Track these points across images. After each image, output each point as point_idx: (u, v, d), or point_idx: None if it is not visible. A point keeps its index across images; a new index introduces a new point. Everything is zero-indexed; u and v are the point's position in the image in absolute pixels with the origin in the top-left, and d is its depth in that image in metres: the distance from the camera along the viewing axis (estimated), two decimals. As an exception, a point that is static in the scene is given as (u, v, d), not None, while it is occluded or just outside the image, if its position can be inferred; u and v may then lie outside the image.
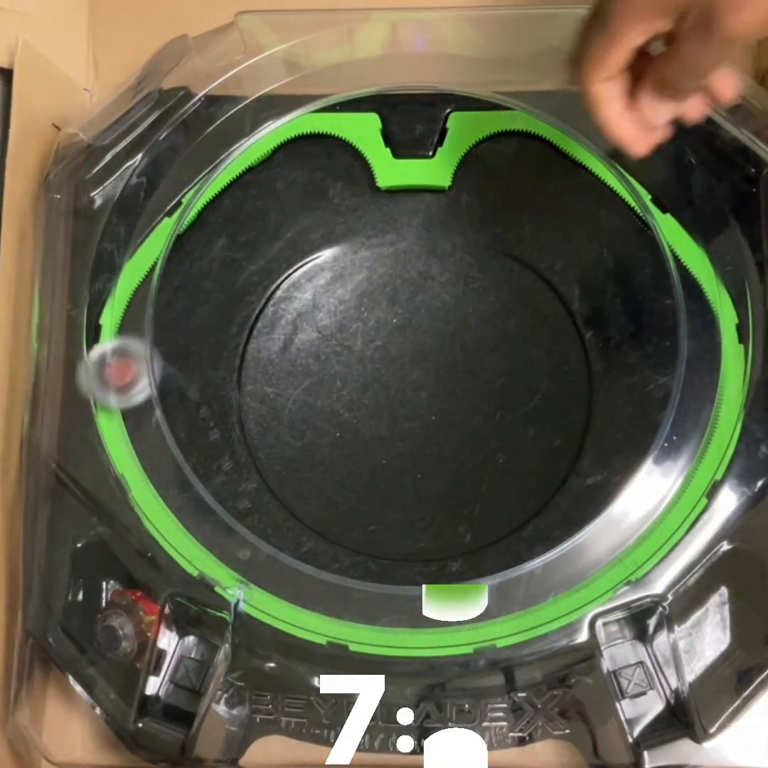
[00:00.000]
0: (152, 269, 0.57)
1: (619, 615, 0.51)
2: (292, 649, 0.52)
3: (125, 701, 0.52)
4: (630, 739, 0.50)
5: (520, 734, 0.51)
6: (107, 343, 0.56)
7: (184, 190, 0.59)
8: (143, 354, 0.55)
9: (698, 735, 0.49)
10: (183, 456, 0.54)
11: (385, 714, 0.52)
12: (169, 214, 0.58)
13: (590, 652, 0.50)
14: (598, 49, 0.42)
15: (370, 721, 0.51)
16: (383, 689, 0.51)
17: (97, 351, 0.56)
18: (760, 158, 0.55)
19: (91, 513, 0.55)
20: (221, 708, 0.52)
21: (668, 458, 0.52)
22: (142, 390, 0.55)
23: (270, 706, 0.52)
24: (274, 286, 0.63)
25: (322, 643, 0.51)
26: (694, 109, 0.46)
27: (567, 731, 0.51)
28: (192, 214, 0.59)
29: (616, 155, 0.56)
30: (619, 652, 0.51)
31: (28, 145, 0.60)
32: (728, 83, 0.45)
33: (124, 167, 0.59)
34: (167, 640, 0.52)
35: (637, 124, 0.45)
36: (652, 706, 0.50)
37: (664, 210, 0.56)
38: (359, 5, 0.62)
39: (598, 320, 0.61)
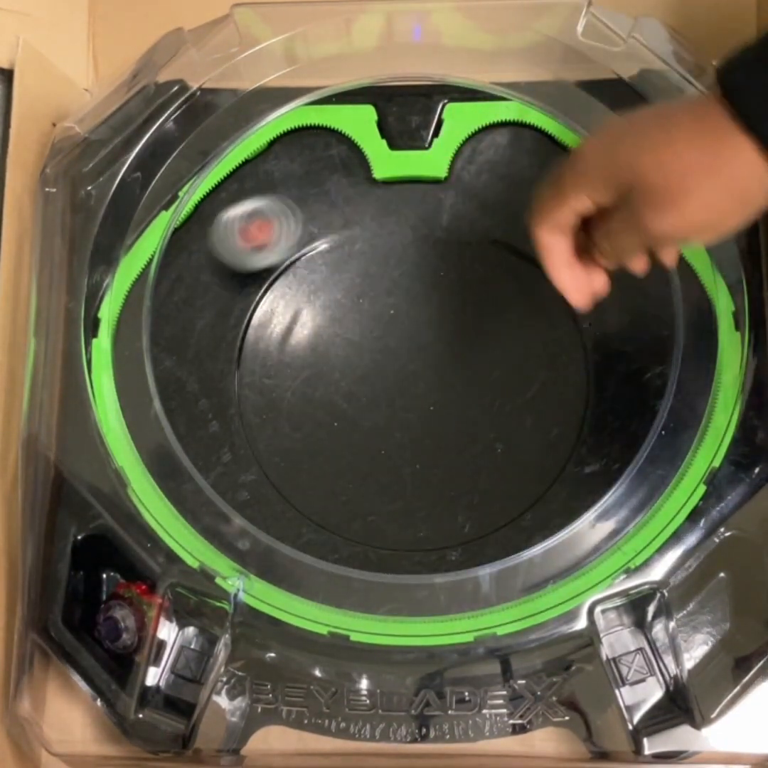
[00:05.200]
0: (150, 262, 0.57)
1: (618, 602, 0.51)
2: (293, 638, 0.52)
3: (125, 692, 0.52)
4: (630, 726, 0.50)
5: (520, 722, 0.52)
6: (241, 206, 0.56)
7: (181, 184, 0.59)
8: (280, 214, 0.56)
9: (697, 721, 0.50)
10: (182, 448, 0.54)
11: (385, 703, 0.52)
12: (166, 207, 0.58)
13: (589, 640, 0.51)
14: (552, 203, 0.46)
15: (370, 710, 0.52)
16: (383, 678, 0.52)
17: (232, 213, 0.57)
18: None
19: (91, 506, 0.55)
20: (222, 698, 0.53)
21: (666, 446, 0.52)
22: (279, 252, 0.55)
23: (270, 696, 0.52)
24: (271, 278, 0.63)
25: (323, 633, 0.52)
26: (636, 267, 0.49)
27: (566, 718, 0.52)
28: (189, 207, 0.59)
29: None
30: (618, 639, 0.51)
31: (29, 145, 0.60)
32: (670, 257, 0.49)
33: (120, 161, 0.59)
34: (167, 631, 0.52)
35: (578, 277, 0.48)
36: (652, 692, 0.50)
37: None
38: (353, -3, 0.62)
39: (595, 309, 0.61)
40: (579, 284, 0.49)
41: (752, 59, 0.39)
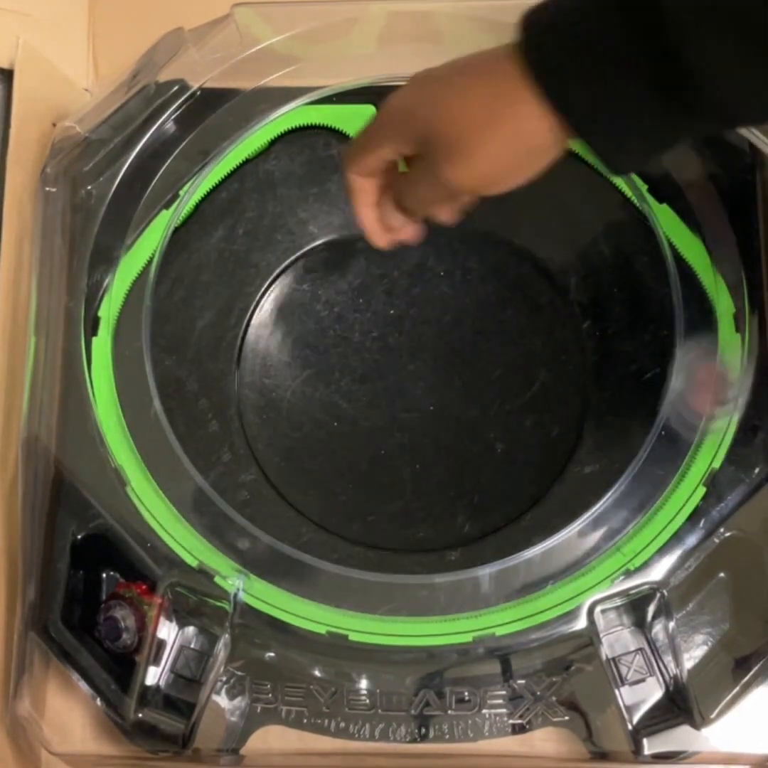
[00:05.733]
0: (150, 261, 0.57)
1: (617, 602, 0.51)
2: (292, 638, 0.52)
3: (125, 692, 0.52)
4: (629, 726, 0.50)
5: (520, 722, 0.52)
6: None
7: (181, 183, 0.59)
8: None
9: (697, 721, 0.50)
10: (182, 447, 0.54)
11: (384, 703, 0.52)
12: (167, 206, 0.58)
13: (589, 640, 0.51)
14: (360, 150, 0.46)
15: (370, 710, 0.52)
16: (383, 678, 0.51)
17: None
18: (756, 147, 0.55)
19: (90, 505, 0.55)
20: (221, 698, 0.53)
21: (666, 447, 0.52)
22: None
23: (270, 696, 0.52)
24: (271, 278, 0.64)
25: (321, 633, 0.52)
26: (442, 217, 0.49)
27: (566, 718, 0.52)
28: (189, 206, 0.59)
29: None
30: (618, 639, 0.51)
31: (29, 145, 0.60)
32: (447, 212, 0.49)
33: (120, 161, 0.59)
34: (167, 631, 0.52)
35: (380, 220, 0.49)
36: (652, 692, 0.50)
37: (660, 200, 0.56)
38: (354, -3, 0.62)
39: (595, 310, 0.61)
40: (381, 226, 0.49)
41: (555, 15, 0.37)
